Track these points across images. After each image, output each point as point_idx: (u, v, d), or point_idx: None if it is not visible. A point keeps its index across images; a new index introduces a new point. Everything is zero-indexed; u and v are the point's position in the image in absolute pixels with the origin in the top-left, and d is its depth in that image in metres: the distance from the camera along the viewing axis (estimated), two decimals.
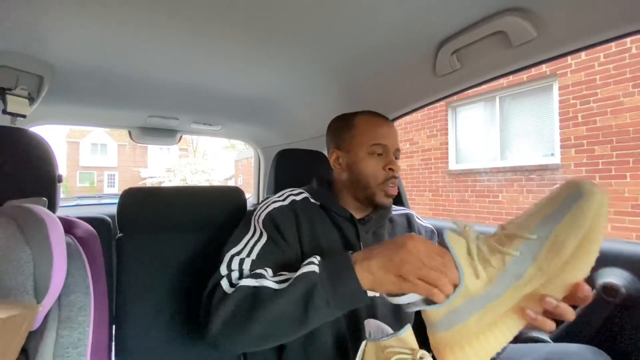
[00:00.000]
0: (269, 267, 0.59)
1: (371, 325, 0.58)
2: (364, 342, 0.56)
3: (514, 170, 3.96)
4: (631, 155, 3.04)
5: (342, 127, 0.76)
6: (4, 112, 0.79)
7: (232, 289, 0.53)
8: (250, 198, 1.86)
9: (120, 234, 0.82)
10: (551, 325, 0.40)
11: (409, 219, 0.82)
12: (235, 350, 0.52)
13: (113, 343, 0.75)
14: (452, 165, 4.77)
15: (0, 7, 0.60)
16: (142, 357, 0.75)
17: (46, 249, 0.42)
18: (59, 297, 0.45)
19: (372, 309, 0.66)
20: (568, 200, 0.41)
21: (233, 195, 0.94)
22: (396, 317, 0.67)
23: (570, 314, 0.40)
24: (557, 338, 0.74)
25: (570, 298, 0.40)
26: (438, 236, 0.80)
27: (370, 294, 0.49)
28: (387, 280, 0.46)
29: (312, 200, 0.74)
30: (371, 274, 0.47)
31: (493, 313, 0.42)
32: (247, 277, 0.55)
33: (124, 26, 0.68)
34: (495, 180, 4.17)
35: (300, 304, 0.48)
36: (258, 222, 0.67)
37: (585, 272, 0.39)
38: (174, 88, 1.06)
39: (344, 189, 0.75)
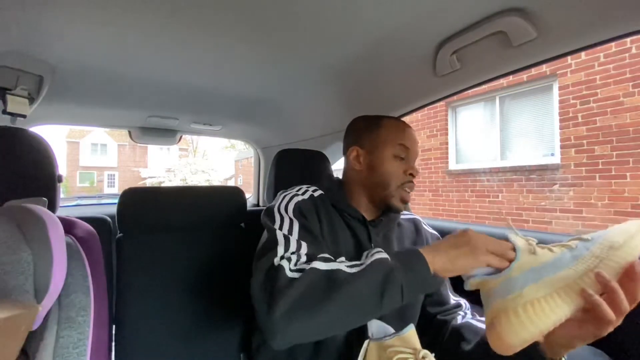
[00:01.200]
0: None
1: (373, 325, 0.58)
2: (366, 342, 0.56)
3: (514, 170, 3.96)
4: (631, 155, 3.04)
5: (367, 126, 0.76)
6: (4, 112, 0.79)
7: (299, 273, 0.51)
8: (250, 198, 1.86)
9: (120, 234, 0.82)
10: (610, 313, 0.41)
11: (416, 224, 0.82)
12: (292, 339, 0.49)
13: (113, 343, 0.75)
14: (452, 165, 4.77)
15: (0, 7, 0.59)
16: (142, 357, 0.75)
17: (46, 249, 0.42)
18: (59, 297, 0.45)
19: None
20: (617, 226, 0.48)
21: (233, 195, 0.94)
22: (400, 317, 0.67)
23: (624, 303, 0.41)
24: None
25: (626, 276, 0.42)
26: None
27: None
28: (462, 254, 0.50)
29: (326, 198, 0.74)
30: (445, 255, 0.51)
31: (548, 288, 0.44)
32: (315, 259, 0.53)
33: (124, 26, 0.68)
34: (495, 180, 4.17)
35: (379, 287, 0.48)
36: (287, 212, 0.66)
37: (634, 256, 0.42)
38: (174, 88, 1.06)
39: (359, 189, 0.75)
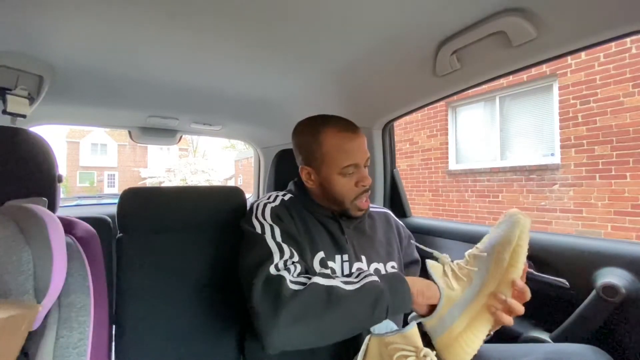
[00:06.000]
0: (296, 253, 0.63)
1: None
2: (368, 336, 0.56)
3: (514, 170, 3.96)
4: (631, 155, 3.03)
5: (310, 142, 0.73)
6: (4, 112, 0.79)
7: (300, 286, 0.55)
8: (250, 198, 1.86)
9: (120, 234, 0.82)
10: (509, 319, 0.55)
11: (386, 216, 0.86)
12: (290, 347, 0.54)
13: (113, 343, 0.75)
14: (452, 165, 4.76)
15: (0, 7, 0.60)
16: (142, 357, 0.75)
17: (46, 249, 0.42)
18: (59, 298, 0.45)
19: None
20: (503, 224, 0.61)
21: (233, 195, 0.94)
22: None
23: (518, 308, 0.55)
24: (557, 338, 0.74)
25: (514, 293, 0.56)
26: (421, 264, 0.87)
27: None
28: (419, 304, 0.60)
29: (296, 200, 0.78)
30: (423, 282, 0.61)
31: (470, 314, 0.57)
32: (316, 275, 0.58)
33: (124, 26, 0.68)
34: (495, 180, 4.17)
35: (369, 308, 0.55)
36: (265, 219, 0.69)
37: (518, 273, 0.56)
38: (174, 88, 1.06)
39: (319, 198, 0.77)
